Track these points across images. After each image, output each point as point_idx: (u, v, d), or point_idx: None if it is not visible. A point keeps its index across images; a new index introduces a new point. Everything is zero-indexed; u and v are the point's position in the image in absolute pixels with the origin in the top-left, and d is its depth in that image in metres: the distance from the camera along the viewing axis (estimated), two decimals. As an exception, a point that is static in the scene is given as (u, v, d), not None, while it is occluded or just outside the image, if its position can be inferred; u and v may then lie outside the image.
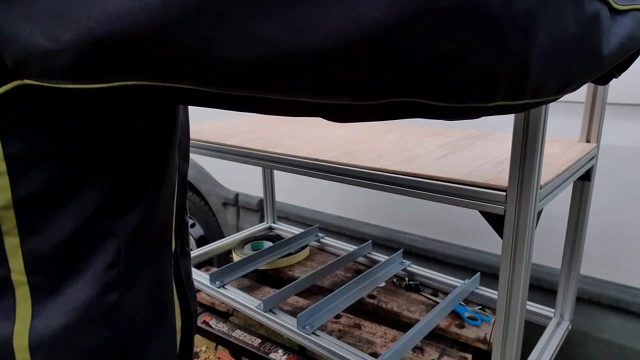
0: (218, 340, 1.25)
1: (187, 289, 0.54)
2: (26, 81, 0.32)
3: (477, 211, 0.69)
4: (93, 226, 0.39)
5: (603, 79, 0.48)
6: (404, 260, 1.35)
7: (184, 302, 0.53)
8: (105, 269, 0.40)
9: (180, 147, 0.51)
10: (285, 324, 1.07)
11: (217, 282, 1.26)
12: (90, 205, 0.39)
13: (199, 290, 1.33)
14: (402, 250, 1.38)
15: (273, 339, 1.19)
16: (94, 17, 0.27)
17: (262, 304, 1.13)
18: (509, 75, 0.33)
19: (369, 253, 1.46)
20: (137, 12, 0.27)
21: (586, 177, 0.94)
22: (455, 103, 0.34)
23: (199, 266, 1.44)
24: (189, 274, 0.56)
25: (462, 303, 1.17)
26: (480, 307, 1.18)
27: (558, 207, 1.01)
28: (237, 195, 2.02)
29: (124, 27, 0.27)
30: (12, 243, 0.37)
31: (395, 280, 1.31)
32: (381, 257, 1.41)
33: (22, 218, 0.37)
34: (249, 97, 0.32)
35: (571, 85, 0.40)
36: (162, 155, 0.45)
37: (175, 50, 0.28)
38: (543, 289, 1.26)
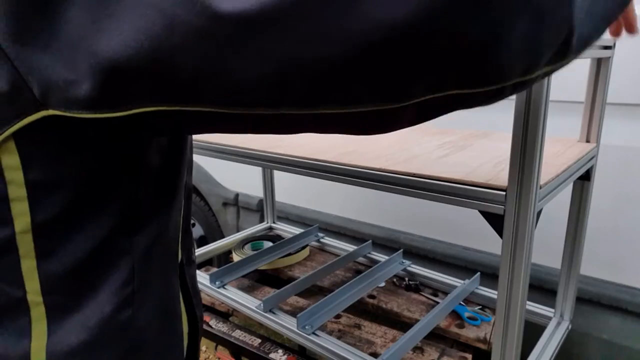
0: (218, 340, 1.25)
1: (193, 296, 0.55)
2: (51, 111, 0.33)
3: (477, 211, 0.69)
4: (108, 246, 0.40)
5: None
6: (404, 260, 1.35)
7: (190, 309, 0.54)
8: (120, 286, 0.42)
9: (187, 163, 0.52)
10: (285, 324, 1.07)
11: (217, 282, 1.26)
12: (105, 227, 0.40)
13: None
14: (402, 250, 1.38)
15: (273, 339, 1.19)
16: (108, 45, 0.29)
17: (262, 304, 1.13)
18: (552, 37, 0.31)
19: (369, 253, 1.46)
20: (143, 40, 0.28)
21: (586, 177, 0.94)
22: (497, 84, 0.31)
23: (199, 266, 1.44)
24: (194, 281, 0.57)
25: (462, 303, 1.17)
26: (480, 307, 1.18)
27: (557, 207, 1.01)
28: (237, 195, 2.02)
29: (133, 54, 0.28)
30: (29, 265, 0.38)
31: (395, 280, 1.31)
32: (381, 257, 1.41)
33: (39, 241, 0.37)
34: (268, 116, 0.31)
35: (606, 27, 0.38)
36: (174, 176, 0.46)
37: (184, 74, 0.29)
38: (543, 289, 1.26)
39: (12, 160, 0.35)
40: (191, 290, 0.56)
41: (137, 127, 0.35)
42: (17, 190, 0.35)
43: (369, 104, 0.30)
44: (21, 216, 0.36)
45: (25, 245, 0.37)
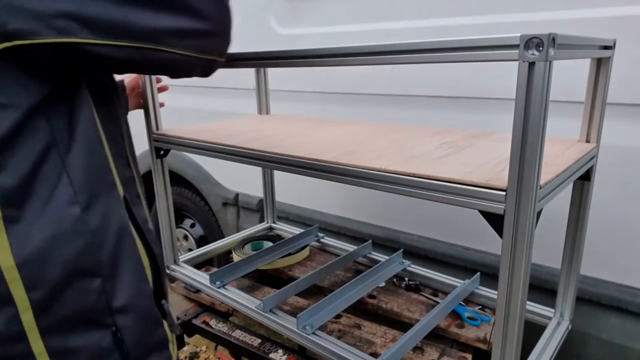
0: (218, 340, 1.25)
1: (145, 232, 0.64)
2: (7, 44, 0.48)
3: (477, 211, 0.69)
4: (47, 158, 0.53)
5: None
6: (403, 260, 1.35)
7: (145, 242, 0.64)
8: (63, 189, 0.54)
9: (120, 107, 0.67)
10: (285, 324, 1.07)
11: (217, 282, 1.26)
12: (42, 143, 0.53)
13: (199, 291, 1.33)
14: (402, 250, 1.38)
15: (273, 339, 1.19)
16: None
17: (262, 304, 1.13)
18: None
19: (369, 253, 1.46)
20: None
21: (586, 177, 0.94)
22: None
23: (199, 266, 1.44)
24: (146, 220, 0.67)
25: (462, 303, 1.17)
26: (480, 307, 1.18)
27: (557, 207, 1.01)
28: (237, 195, 2.02)
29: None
30: None
31: (395, 280, 1.31)
32: (381, 257, 1.41)
33: None
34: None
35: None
36: (81, 106, 0.59)
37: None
38: (543, 289, 1.26)
39: None
40: (142, 227, 0.64)
41: (57, 55, 0.51)
42: None
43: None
44: None
45: None
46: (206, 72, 0.66)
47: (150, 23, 0.53)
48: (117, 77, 0.98)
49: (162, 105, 1.25)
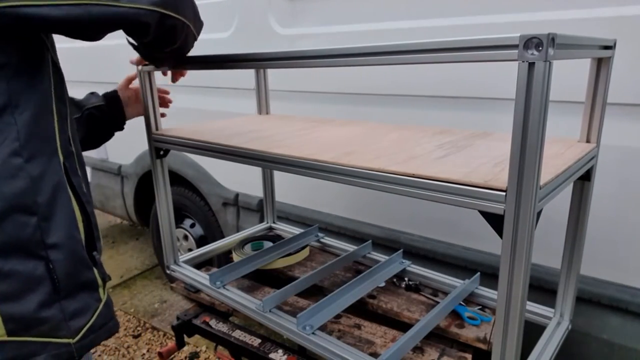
0: (218, 340, 1.25)
1: (80, 194, 0.75)
2: None
3: (477, 211, 0.69)
4: (1, 116, 0.65)
5: None
6: (403, 260, 1.35)
7: (79, 202, 0.74)
8: (11, 142, 0.65)
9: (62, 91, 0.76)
10: (285, 324, 1.07)
11: (217, 282, 1.26)
12: (0, 102, 0.65)
13: (199, 291, 1.33)
14: (402, 250, 1.37)
15: (273, 339, 1.19)
16: None
17: (262, 304, 1.13)
18: None
19: (369, 253, 1.46)
20: None
21: (586, 177, 0.94)
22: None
23: (199, 266, 1.44)
24: (82, 188, 0.77)
25: (462, 303, 1.17)
26: (480, 307, 1.18)
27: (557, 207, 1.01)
28: (237, 195, 2.02)
29: None
30: None
31: (395, 280, 1.31)
32: (381, 257, 1.41)
33: None
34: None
35: None
36: (42, 80, 0.71)
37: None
38: (543, 289, 1.26)
39: None
40: (78, 191, 0.74)
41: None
42: None
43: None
44: None
45: None
46: (164, 31, 0.74)
47: None
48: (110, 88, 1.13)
49: (163, 115, 1.26)
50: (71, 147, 0.77)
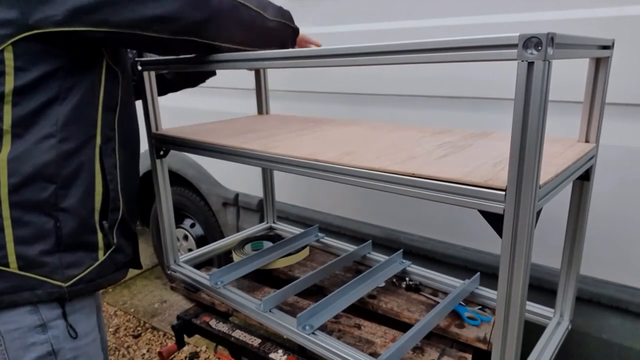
0: (218, 340, 1.25)
1: (108, 173, 0.92)
2: (35, 31, 0.77)
3: (476, 211, 0.69)
4: (46, 106, 0.82)
5: None
6: (403, 260, 1.35)
7: (104, 179, 0.91)
8: (50, 126, 0.83)
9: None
10: (285, 324, 1.07)
11: (217, 282, 1.26)
12: (47, 95, 0.82)
13: (199, 290, 1.33)
14: (402, 250, 1.38)
15: (273, 339, 1.19)
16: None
17: (262, 304, 1.13)
18: None
19: (369, 253, 1.46)
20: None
21: (585, 176, 0.94)
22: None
23: (199, 266, 1.44)
24: (111, 167, 0.94)
25: (462, 303, 1.17)
26: (480, 307, 1.18)
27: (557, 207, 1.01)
28: (237, 195, 2.03)
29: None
30: (7, 109, 0.79)
31: (395, 280, 1.31)
32: (381, 257, 1.41)
33: (14, 97, 0.79)
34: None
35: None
36: (92, 80, 0.89)
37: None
38: (543, 289, 1.26)
39: (9, 56, 0.77)
40: (107, 170, 0.92)
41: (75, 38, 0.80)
42: (9, 70, 0.78)
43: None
44: (9, 83, 0.78)
45: (7, 97, 0.79)
46: (191, 49, 0.94)
47: (127, 15, 0.80)
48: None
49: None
50: (113, 133, 0.94)
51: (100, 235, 0.91)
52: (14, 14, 0.75)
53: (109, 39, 0.82)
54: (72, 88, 0.84)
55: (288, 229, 1.69)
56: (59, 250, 0.85)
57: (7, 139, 0.80)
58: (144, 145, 1.26)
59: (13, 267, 0.81)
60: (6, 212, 0.80)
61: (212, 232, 2.21)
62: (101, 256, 0.92)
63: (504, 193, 0.65)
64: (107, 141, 0.93)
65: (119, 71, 0.95)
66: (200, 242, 2.30)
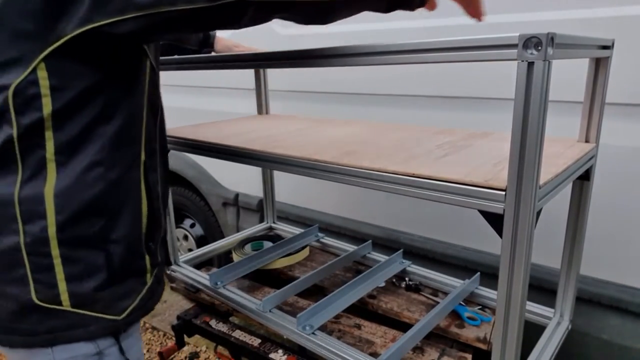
0: (218, 340, 1.25)
1: (153, 192, 0.85)
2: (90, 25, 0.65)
3: (476, 211, 0.69)
4: (91, 128, 0.73)
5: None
6: (403, 260, 1.35)
7: (149, 198, 0.84)
8: (95, 153, 0.73)
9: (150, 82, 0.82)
10: (285, 324, 1.07)
11: (217, 282, 1.26)
12: (91, 114, 0.72)
13: (199, 290, 1.33)
14: (402, 250, 1.38)
15: (273, 339, 1.19)
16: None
17: (262, 304, 1.13)
18: None
19: (369, 253, 1.46)
20: None
21: (585, 176, 0.94)
22: None
23: (199, 266, 1.44)
24: (155, 184, 0.86)
25: (462, 303, 1.17)
26: (480, 307, 1.18)
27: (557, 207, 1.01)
28: (237, 195, 2.03)
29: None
30: (49, 135, 0.70)
31: (395, 280, 1.31)
32: (381, 257, 1.41)
33: (55, 121, 0.70)
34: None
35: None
36: (131, 87, 0.78)
37: None
38: (543, 289, 1.26)
39: (43, 74, 0.67)
40: (152, 188, 0.84)
41: (132, 33, 0.67)
42: (45, 91, 0.68)
43: None
44: (47, 105, 0.68)
45: (47, 122, 0.69)
46: (237, 18, 0.71)
47: None
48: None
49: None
50: (155, 143, 0.86)
51: (147, 258, 0.86)
52: (36, 25, 0.65)
53: (139, 29, 0.67)
54: (117, 102, 0.75)
55: (288, 229, 1.69)
56: (111, 283, 0.80)
57: (51, 167, 0.71)
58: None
59: (66, 305, 0.76)
60: (55, 251, 0.74)
61: (212, 232, 2.21)
62: (149, 279, 0.87)
63: (504, 193, 0.65)
64: (151, 155, 0.85)
65: (157, 68, 0.86)
66: (200, 242, 2.30)
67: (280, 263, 1.44)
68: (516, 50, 0.58)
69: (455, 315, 1.14)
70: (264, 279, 1.44)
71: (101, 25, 0.65)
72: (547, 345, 0.97)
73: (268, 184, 1.68)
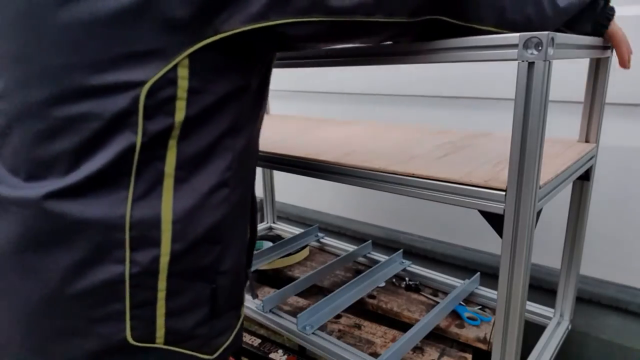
0: (218, 340, 1.25)
1: (255, 211, 0.76)
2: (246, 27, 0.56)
3: (477, 211, 0.69)
4: (220, 141, 0.60)
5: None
6: (404, 260, 1.35)
7: (253, 218, 0.74)
8: (223, 171, 0.61)
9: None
10: (285, 324, 1.07)
11: (217, 282, 1.26)
12: (221, 127, 0.60)
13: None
14: (402, 250, 1.38)
15: (273, 339, 1.19)
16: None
17: (262, 304, 1.13)
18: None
19: (369, 253, 1.46)
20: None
21: (585, 177, 0.94)
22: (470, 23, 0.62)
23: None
24: (255, 201, 0.77)
25: (462, 303, 1.17)
26: (480, 307, 1.18)
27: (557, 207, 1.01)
28: (237, 195, 2.02)
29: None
30: (172, 144, 0.57)
31: (395, 280, 1.31)
32: (381, 257, 1.41)
33: (183, 129, 0.57)
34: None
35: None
36: (261, 97, 0.68)
37: None
38: (543, 289, 1.26)
39: (183, 73, 0.54)
40: (255, 208, 0.77)
41: (274, 39, 0.58)
42: (182, 94, 0.55)
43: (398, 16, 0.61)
44: (180, 110, 0.56)
45: (175, 131, 0.56)
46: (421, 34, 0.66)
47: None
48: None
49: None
50: (257, 160, 0.77)
51: (245, 287, 0.77)
52: (194, 13, 0.53)
53: (319, 33, 0.59)
54: (248, 114, 0.64)
55: (288, 229, 1.69)
56: (213, 317, 0.69)
57: (168, 184, 0.58)
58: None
59: (159, 342, 0.64)
60: (162, 284, 0.61)
61: (212, 232, 2.21)
62: (243, 311, 0.77)
63: (504, 193, 0.65)
64: (255, 168, 0.75)
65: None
66: (200, 242, 2.30)
67: (280, 263, 1.44)
68: (516, 50, 0.58)
69: (455, 315, 1.14)
70: (264, 279, 1.44)
71: (278, 24, 0.56)
72: (547, 345, 0.97)
73: (268, 184, 1.68)
